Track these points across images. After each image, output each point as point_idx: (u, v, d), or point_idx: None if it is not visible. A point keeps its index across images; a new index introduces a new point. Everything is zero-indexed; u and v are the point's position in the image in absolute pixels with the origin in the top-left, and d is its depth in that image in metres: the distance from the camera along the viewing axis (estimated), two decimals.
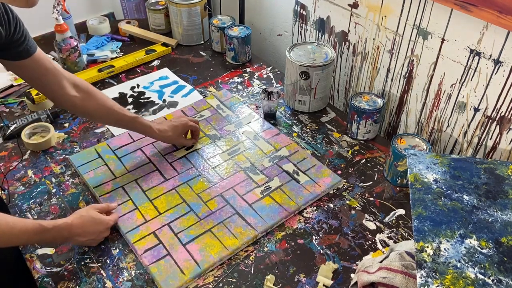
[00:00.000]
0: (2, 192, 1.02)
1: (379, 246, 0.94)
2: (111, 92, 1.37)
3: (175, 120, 1.15)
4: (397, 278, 0.76)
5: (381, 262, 0.82)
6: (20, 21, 0.89)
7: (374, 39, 1.24)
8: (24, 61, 0.90)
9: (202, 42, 1.63)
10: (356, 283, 0.84)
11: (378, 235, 0.96)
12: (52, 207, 1.02)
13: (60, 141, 1.19)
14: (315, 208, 1.03)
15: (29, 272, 0.90)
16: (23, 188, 1.06)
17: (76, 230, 0.86)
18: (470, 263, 0.72)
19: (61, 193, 1.05)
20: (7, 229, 0.77)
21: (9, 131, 1.19)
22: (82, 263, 0.91)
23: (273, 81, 1.45)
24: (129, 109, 1.31)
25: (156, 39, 1.60)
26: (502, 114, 1.01)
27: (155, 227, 0.96)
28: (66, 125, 1.25)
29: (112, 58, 1.52)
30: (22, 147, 1.17)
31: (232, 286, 0.87)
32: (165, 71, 1.48)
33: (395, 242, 0.95)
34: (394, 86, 1.26)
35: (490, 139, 1.07)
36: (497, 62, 0.97)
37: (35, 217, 1.00)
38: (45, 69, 0.94)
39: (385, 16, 1.18)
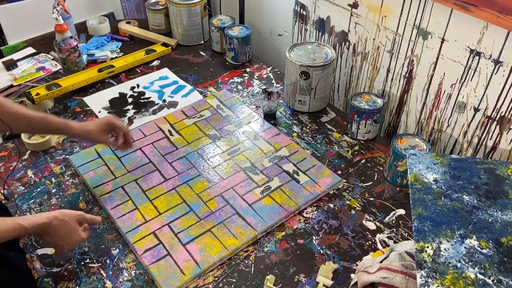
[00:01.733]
0: (1, 193, 1.01)
1: (379, 246, 0.94)
2: (111, 92, 1.37)
3: (98, 119, 1.08)
4: (397, 278, 0.76)
5: (381, 262, 0.82)
6: None
7: (374, 39, 1.24)
8: None
9: (202, 42, 1.63)
10: (356, 283, 0.84)
11: (378, 235, 0.96)
12: (52, 207, 1.02)
13: (60, 141, 1.19)
14: (315, 208, 1.03)
15: (30, 272, 0.90)
16: (23, 188, 1.06)
17: (50, 230, 0.82)
18: (470, 263, 0.72)
19: (61, 193, 1.05)
20: None
21: (9, 131, 1.19)
22: (82, 263, 0.91)
23: (273, 81, 1.45)
24: (128, 109, 1.31)
25: (156, 39, 1.60)
26: (502, 114, 1.01)
27: (155, 227, 0.96)
28: None
29: (112, 58, 1.52)
30: (22, 147, 1.16)
31: (232, 286, 0.87)
32: (165, 71, 1.48)
33: (395, 242, 0.95)
34: (394, 86, 1.26)
35: (490, 139, 1.07)
36: (497, 62, 0.97)
37: None
38: None
39: (385, 16, 1.18)
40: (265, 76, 1.46)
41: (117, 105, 1.32)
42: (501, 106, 1.01)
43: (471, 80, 1.05)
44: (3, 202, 1.01)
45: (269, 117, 1.28)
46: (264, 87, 1.40)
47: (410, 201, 0.83)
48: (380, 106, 1.17)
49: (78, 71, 1.41)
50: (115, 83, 1.42)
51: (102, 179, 1.07)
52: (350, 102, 1.18)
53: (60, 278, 0.88)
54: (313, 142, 1.21)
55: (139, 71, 1.48)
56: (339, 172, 1.11)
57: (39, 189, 1.06)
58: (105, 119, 1.05)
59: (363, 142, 1.21)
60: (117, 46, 1.58)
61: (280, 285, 0.87)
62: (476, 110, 1.07)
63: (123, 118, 1.28)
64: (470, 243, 0.75)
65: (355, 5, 1.25)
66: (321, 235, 0.96)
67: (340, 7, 1.29)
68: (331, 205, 1.03)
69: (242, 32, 1.47)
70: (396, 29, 1.17)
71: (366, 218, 1.00)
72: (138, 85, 1.41)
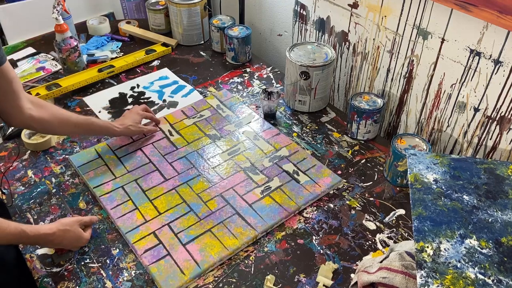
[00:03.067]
0: (2, 193, 1.02)
1: (379, 246, 0.94)
2: (111, 92, 1.37)
3: (125, 113, 1.17)
4: (397, 278, 0.76)
5: (381, 262, 0.82)
6: None
7: (374, 39, 1.25)
8: None
9: (202, 42, 1.63)
10: (356, 283, 0.84)
11: (378, 235, 0.96)
12: (52, 207, 1.02)
13: (60, 141, 1.19)
14: (315, 208, 1.03)
15: (30, 272, 0.90)
16: (23, 188, 1.06)
17: (55, 240, 0.86)
18: (470, 263, 0.72)
19: (61, 193, 1.05)
20: None
21: (9, 131, 1.19)
22: (82, 263, 0.91)
23: (273, 81, 1.45)
24: (128, 109, 1.31)
25: (156, 39, 1.60)
26: (502, 114, 1.01)
27: (155, 227, 0.96)
28: None
29: (112, 58, 1.52)
30: (22, 147, 1.17)
31: (232, 286, 0.87)
32: (165, 71, 1.48)
33: (395, 242, 0.95)
34: (394, 86, 1.26)
35: (490, 139, 1.07)
36: (497, 62, 0.97)
37: (35, 217, 1.00)
38: (10, 80, 0.88)
39: (385, 16, 1.18)
40: (265, 76, 1.46)
41: (117, 105, 1.32)
42: (501, 106, 1.01)
43: (471, 80, 1.05)
44: (4, 200, 1.01)
45: (269, 117, 1.28)
46: (264, 87, 1.40)
47: (410, 201, 0.83)
48: (380, 106, 1.17)
49: (78, 71, 1.41)
50: (115, 83, 1.42)
51: (102, 179, 1.07)
52: (350, 102, 1.18)
53: (60, 278, 0.88)
54: (313, 142, 1.21)
55: (139, 71, 1.48)
56: (339, 172, 1.11)
57: (39, 189, 1.06)
58: (134, 111, 1.16)
59: (363, 142, 1.21)
60: (117, 46, 1.58)
61: (280, 285, 0.87)
62: (476, 110, 1.07)
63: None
64: (470, 243, 0.75)
65: (355, 5, 1.25)
66: (321, 235, 0.96)
67: (340, 7, 1.29)
68: (331, 205, 1.03)
69: (242, 32, 1.47)
70: (396, 29, 1.17)
71: (366, 218, 1.00)
72: (138, 85, 1.41)
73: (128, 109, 1.19)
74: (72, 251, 0.92)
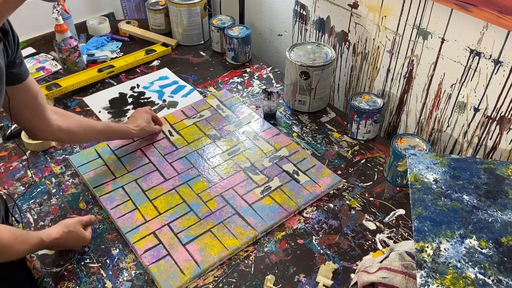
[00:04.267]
0: (15, 220, 0.99)
1: (379, 246, 0.94)
2: (111, 92, 1.37)
3: (134, 114, 1.17)
4: (397, 278, 0.76)
5: (381, 262, 0.82)
6: (19, 41, 0.82)
7: (374, 39, 1.25)
8: (16, 86, 0.83)
9: (202, 42, 1.63)
10: (356, 283, 0.84)
11: (378, 235, 0.96)
12: (52, 207, 1.02)
13: None
14: (315, 208, 1.03)
15: (30, 272, 0.90)
16: (23, 188, 1.06)
17: (61, 243, 0.87)
18: (470, 263, 0.72)
19: (61, 193, 1.05)
20: (16, 244, 0.77)
21: (9, 131, 1.19)
22: (82, 263, 0.91)
23: (273, 81, 1.45)
24: (128, 109, 1.31)
25: (156, 39, 1.60)
26: (502, 114, 1.01)
27: (155, 227, 0.96)
28: None
29: (112, 58, 1.52)
30: (22, 147, 1.17)
31: (232, 286, 0.87)
32: (165, 71, 1.48)
33: (395, 242, 0.95)
34: (394, 86, 1.26)
35: (490, 139, 1.07)
36: (497, 62, 0.97)
37: (35, 217, 1.00)
38: (36, 93, 0.88)
39: (385, 16, 1.18)
40: (265, 76, 1.46)
41: (117, 105, 1.32)
42: (501, 106, 1.01)
43: (471, 80, 1.05)
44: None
45: (269, 117, 1.28)
46: (264, 87, 1.40)
47: (410, 201, 0.83)
48: (380, 106, 1.17)
49: (78, 71, 1.41)
50: (115, 83, 1.42)
51: (102, 179, 1.07)
52: (350, 102, 1.18)
53: (60, 278, 0.88)
54: (313, 142, 1.21)
55: (139, 71, 1.48)
56: (339, 172, 1.11)
57: (39, 189, 1.06)
58: (143, 112, 1.17)
59: (363, 142, 1.21)
60: (117, 46, 1.58)
61: (280, 285, 0.87)
62: (476, 110, 1.07)
63: (123, 118, 1.28)
64: (470, 243, 0.75)
65: (355, 5, 1.25)
66: (321, 235, 0.96)
67: (340, 7, 1.29)
68: (331, 205, 1.03)
69: (242, 32, 1.47)
70: (396, 29, 1.17)
71: (366, 218, 1.00)
72: (138, 85, 1.41)
73: (136, 110, 1.19)
74: (73, 250, 0.92)
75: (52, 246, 0.88)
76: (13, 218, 0.96)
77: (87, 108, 1.31)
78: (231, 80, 1.44)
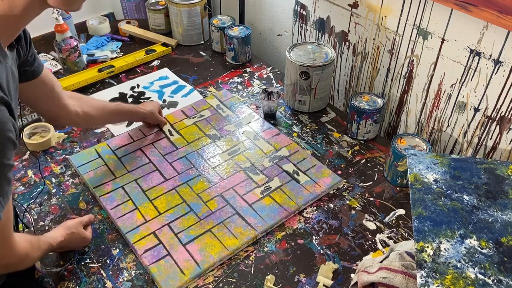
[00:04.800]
0: (24, 225, 0.99)
1: (379, 246, 0.94)
2: (111, 92, 1.37)
3: (144, 103, 1.20)
4: (397, 278, 0.76)
5: (381, 262, 0.82)
6: (30, 38, 0.83)
7: (374, 39, 1.25)
8: (32, 81, 0.85)
9: (202, 42, 1.63)
10: (356, 283, 0.84)
11: (378, 235, 0.96)
12: (52, 207, 1.02)
13: (60, 141, 1.19)
14: (315, 208, 1.03)
15: (32, 272, 0.90)
16: (23, 188, 1.06)
17: (64, 245, 0.87)
18: (470, 263, 0.72)
19: (61, 193, 1.05)
20: (32, 252, 0.77)
21: None
22: (82, 263, 0.91)
23: (273, 81, 1.45)
24: None
25: (156, 39, 1.60)
26: (502, 114, 1.01)
27: (155, 227, 0.96)
28: None
29: (112, 58, 1.52)
30: (22, 147, 1.16)
31: (232, 286, 0.87)
32: (165, 71, 1.48)
33: (395, 242, 0.95)
34: (394, 86, 1.26)
35: (490, 139, 1.07)
36: (497, 62, 0.97)
37: (35, 217, 1.00)
38: (52, 84, 0.90)
39: (385, 16, 1.18)
40: (265, 76, 1.46)
41: None
42: (501, 106, 1.01)
43: (471, 80, 1.05)
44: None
45: (269, 117, 1.28)
46: (264, 87, 1.40)
47: (410, 201, 0.83)
48: (380, 106, 1.17)
49: (78, 71, 1.41)
50: (115, 83, 1.42)
51: (102, 179, 1.07)
52: (350, 102, 1.18)
53: (60, 278, 0.88)
54: (313, 142, 1.21)
55: (139, 71, 1.48)
56: (339, 172, 1.11)
57: (39, 189, 1.06)
58: (155, 104, 1.20)
59: (363, 142, 1.21)
60: (117, 46, 1.58)
61: (280, 285, 0.87)
62: (476, 110, 1.07)
63: None
64: (470, 243, 0.75)
65: (355, 5, 1.25)
66: (321, 235, 0.96)
67: (340, 7, 1.30)
68: (331, 205, 1.03)
69: (242, 32, 1.47)
70: (396, 29, 1.17)
71: (366, 218, 1.00)
72: (138, 85, 1.41)
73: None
74: (73, 250, 0.92)
75: (57, 249, 0.88)
76: (22, 224, 0.96)
77: None
78: (231, 80, 1.44)
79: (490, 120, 1.05)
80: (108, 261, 0.91)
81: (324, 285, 0.87)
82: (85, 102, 1.02)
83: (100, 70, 1.42)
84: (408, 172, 0.89)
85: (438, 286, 0.68)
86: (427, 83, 1.16)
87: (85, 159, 1.12)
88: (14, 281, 0.83)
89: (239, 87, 1.41)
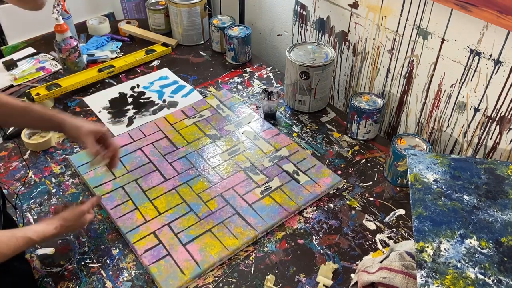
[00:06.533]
0: (14, 207, 1.00)
1: (379, 246, 0.94)
2: (111, 92, 1.37)
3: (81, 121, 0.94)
4: (397, 278, 0.76)
5: (381, 262, 0.82)
6: None
7: (374, 39, 1.25)
8: None
9: (202, 42, 1.63)
10: (356, 283, 0.84)
11: (378, 235, 0.96)
12: (52, 207, 1.02)
13: (60, 141, 1.19)
14: (315, 208, 1.03)
15: (31, 272, 0.90)
16: (23, 188, 1.06)
17: (57, 235, 0.83)
18: (470, 263, 0.72)
19: (61, 193, 1.05)
20: (5, 250, 0.73)
21: (9, 131, 1.19)
22: (82, 263, 0.91)
23: (273, 81, 1.45)
24: (128, 109, 1.31)
25: (156, 39, 1.60)
26: (502, 114, 1.01)
27: (155, 227, 0.96)
28: None
29: (112, 58, 1.52)
30: (22, 147, 1.16)
31: (232, 286, 0.87)
32: (165, 71, 1.48)
33: (395, 242, 0.95)
34: (394, 86, 1.26)
35: (490, 139, 1.07)
36: (497, 62, 0.97)
37: (35, 217, 1.00)
38: None
39: (385, 16, 1.18)
40: (265, 76, 1.46)
41: (117, 105, 1.32)
42: (501, 106, 1.01)
43: (471, 80, 1.05)
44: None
45: (269, 117, 1.28)
46: (264, 87, 1.40)
47: (410, 201, 0.83)
48: (380, 106, 1.17)
49: (78, 71, 1.41)
50: (115, 83, 1.42)
51: (102, 179, 1.07)
52: (350, 102, 1.18)
53: (60, 278, 0.88)
54: (313, 142, 1.21)
55: (139, 71, 1.48)
56: (339, 172, 1.11)
57: (39, 189, 1.06)
58: (101, 127, 0.93)
59: (363, 142, 1.21)
60: (117, 46, 1.58)
61: (280, 285, 0.87)
62: (476, 110, 1.07)
63: (123, 118, 1.28)
64: (470, 243, 0.75)
65: (355, 5, 1.25)
66: (321, 235, 0.96)
67: (340, 7, 1.29)
68: (331, 205, 1.03)
69: (242, 32, 1.47)
70: (396, 29, 1.17)
71: (366, 218, 1.00)
72: (138, 85, 1.41)
73: None
74: (72, 250, 0.92)
75: (51, 239, 0.82)
76: (23, 224, 0.94)
77: (87, 108, 1.31)
78: (231, 80, 1.44)
79: (490, 120, 1.05)
80: (108, 261, 0.91)
81: (324, 285, 0.87)
82: None
83: (100, 70, 1.42)
84: (408, 172, 0.89)
85: (438, 286, 0.68)
86: (427, 83, 1.16)
87: (85, 159, 1.12)
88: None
89: (239, 87, 1.41)
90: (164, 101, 1.35)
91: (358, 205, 1.03)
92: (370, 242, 0.95)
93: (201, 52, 1.58)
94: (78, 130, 0.90)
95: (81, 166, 1.10)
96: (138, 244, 0.93)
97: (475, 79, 1.03)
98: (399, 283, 0.76)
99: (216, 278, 0.88)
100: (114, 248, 0.94)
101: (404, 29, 1.15)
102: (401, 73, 1.22)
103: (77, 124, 0.91)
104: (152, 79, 1.44)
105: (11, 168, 1.11)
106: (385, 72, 1.27)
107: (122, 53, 1.55)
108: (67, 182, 1.08)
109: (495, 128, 1.05)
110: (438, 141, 1.20)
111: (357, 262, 0.91)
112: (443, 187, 0.85)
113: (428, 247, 0.74)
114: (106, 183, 1.05)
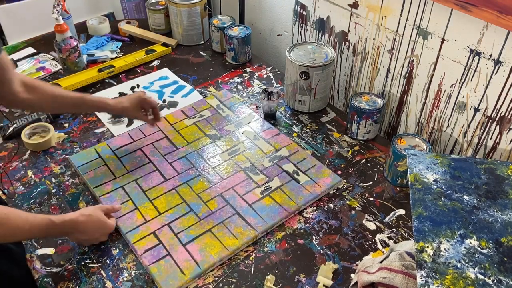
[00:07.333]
0: (2, 193, 1.02)
1: (379, 246, 0.94)
2: (111, 92, 1.37)
3: (126, 96, 1.16)
4: (397, 278, 0.76)
5: (381, 262, 0.82)
6: None
7: (374, 39, 1.25)
8: None
9: (202, 42, 1.63)
10: (356, 283, 0.84)
11: (378, 235, 0.96)
12: (52, 207, 1.02)
13: (60, 141, 1.19)
14: (315, 208, 1.03)
15: (30, 272, 0.90)
16: (23, 188, 1.06)
17: (79, 227, 0.86)
18: (470, 263, 0.72)
19: (61, 193, 1.05)
20: (21, 224, 0.77)
21: (9, 131, 1.19)
22: (82, 263, 0.91)
23: (273, 81, 1.45)
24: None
25: (156, 39, 1.60)
26: (502, 114, 1.01)
27: (155, 227, 0.96)
28: (66, 125, 1.25)
29: (112, 58, 1.52)
30: (22, 147, 1.17)
31: (232, 286, 0.87)
32: (165, 71, 1.48)
33: (395, 242, 0.95)
34: (394, 86, 1.26)
35: (490, 139, 1.07)
36: (497, 62, 0.97)
37: None
38: (5, 69, 0.89)
39: (385, 16, 1.18)
40: (265, 76, 1.46)
41: None
42: (501, 106, 1.01)
43: (471, 80, 1.05)
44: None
45: (269, 117, 1.28)
46: (264, 87, 1.40)
47: (410, 201, 0.83)
48: (380, 106, 1.17)
49: (78, 71, 1.41)
50: (115, 83, 1.42)
51: (102, 179, 1.07)
52: (350, 102, 1.18)
53: (60, 278, 0.88)
54: (313, 142, 1.21)
55: (139, 71, 1.48)
56: (339, 172, 1.11)
57: (39, 189, 1.06)
58: (136, 95, 1.12)
59: (363, 142, 1.21)
60: (117, 46, 1.58)
61: (280, 285, 0.87)
62: (476, 110, 1.07)
63: (123, 118, 1.27)
64: (470, 243, 0.75)
65: (355, 5, 1.25)
66: (321, 235, 0.96)
67: (340, 7, 1.30)
68: (331, 205, 1.03)
69: (242, 32, 1.47)
70: (396, 29, 1.17)
71: (366, 218, 1.00)
72: (138, 85, 1.41)
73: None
74: (72, 250, 0.92)
75: (70, 230, 0.86)
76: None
77: None
78: (231, 80, 1.44)
79: (490, 120, 1.05)
80: (108, 261, 0.91)
81: (324, 285, 0.87)
82: (39, 91, 0.99)
83: (100, 70, 1.42)
84: (408, 172, 0.89)
85: (438, 286, 0.68)
86: (427, 83, 1.16)
87: (85, 159, 1.12)
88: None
89: (239, 87, 1.41)
90: (164, 101, 1.35)
91: (358, 205, 1.03)
92: (370, 242, 0.95)
93: (201, 52, 1.58)
94: (125, 112, 1.12)
95: (81, 166, 1.10)
96: (138, 244, 0.93)
97: (475, 79, 1.03)
98: (399, 283, 0.76)
99: (216, 278, 0.88)
100: (114, 248, 0.94)
101: (404, 29, 1.15)
102: (401, 73, 1.22)
103: (123, 106, 1.09)
104: (152, 79, 1.44)
105: (11, 168, 1.11)
106: (385, 72, 1.27)
107: (122, 53, 1.55)
108: (67, 182, 1.08)
109: (495, 128, 1.05)
110: (438, 141, 1.20)
111: (357, 262, 0.91)
112: (443, 187, 0.85)
113: (428, 247, 0.74)
114: (106, 183, 1.06)
